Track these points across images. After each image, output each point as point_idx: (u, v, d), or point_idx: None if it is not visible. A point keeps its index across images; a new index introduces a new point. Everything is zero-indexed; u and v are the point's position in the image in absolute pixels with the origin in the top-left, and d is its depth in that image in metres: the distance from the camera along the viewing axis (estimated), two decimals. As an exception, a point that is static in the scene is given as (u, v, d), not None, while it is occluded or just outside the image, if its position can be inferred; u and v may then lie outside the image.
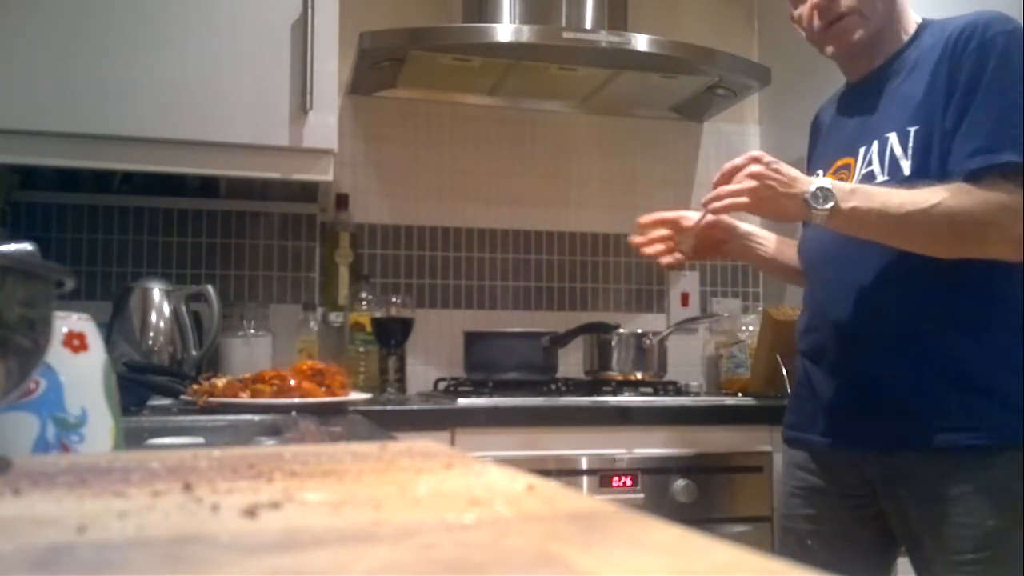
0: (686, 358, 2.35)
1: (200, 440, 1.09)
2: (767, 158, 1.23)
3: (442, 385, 2.05)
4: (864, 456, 1.30)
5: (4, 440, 0.58)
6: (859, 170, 1.32)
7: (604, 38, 1.96)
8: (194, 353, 1.87)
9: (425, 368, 2.24)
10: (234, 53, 1.80)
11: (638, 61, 2.06)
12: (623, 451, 1.71)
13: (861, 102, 1.38)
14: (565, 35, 1.95)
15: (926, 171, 1.22)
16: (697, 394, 2.01)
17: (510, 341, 2.04)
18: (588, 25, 2.09)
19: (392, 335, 1.94)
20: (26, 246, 0.98)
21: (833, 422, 1.33)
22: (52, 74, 1.71)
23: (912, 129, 1.25)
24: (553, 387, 1.96)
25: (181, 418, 1.26)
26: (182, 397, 1.41)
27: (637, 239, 1.53)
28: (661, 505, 1.68)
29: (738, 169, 1.24)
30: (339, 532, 0.29)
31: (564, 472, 1.66)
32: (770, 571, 0.25)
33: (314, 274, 2.21)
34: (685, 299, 2.46)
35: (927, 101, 1.25)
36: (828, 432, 1.34)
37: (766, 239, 1.56)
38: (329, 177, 1.89)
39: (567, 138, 2.45)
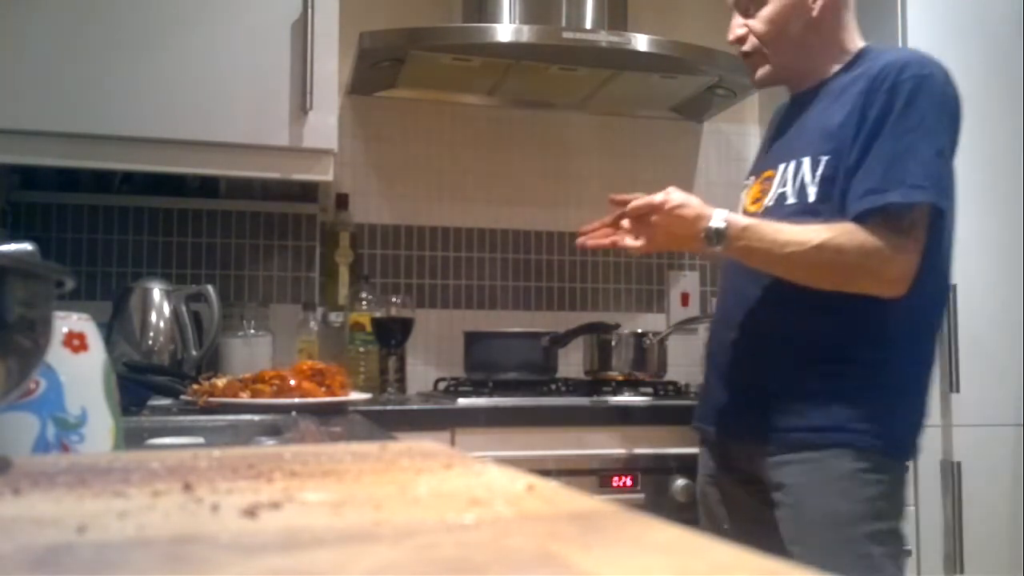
0: (686, 358, 2.35)
1: (200, 440, 1.09)
2: (669, 204, 1.32)
3: (442, 385, 2.05)
4: (747, 447, 1.42)
5: (4, 440, 0.58)
6: (775, 188, 1.42)
7: (604, 38, 1.96)
8: (194, 353, 1.87)
9: (425, 368, 2.24)
10: (234, 53, 1.80)
11: (638, 61, 2.06)
12: (623, 451, 1.71)
13: (793, 118, 1.48)
14: (565, 35, 1.95)
15: (829, 200, 1.33)
16: (697, 394, 2.01)
17: (510, 341, 2.04)
18: (588, 25, 2.09)
19: (392, 335, 1.94)
20: (26, 246, 0.99)
21: (725, 415, 1.46)
22: (52, 74, 1.71)
23: (824, 158, 1.34)
24: (553, 387, 1.96)
25: (181, 418, 1.26)
26: (182, 397, 1.41)
27: (580, 240, 1.52)
28: (661, 505, 1.68)
29: (641, 212, 1.35)
30: (339, 532, 0.29)
31: (564, 472, 1.66)
32: (769, 571, 0.25)
33: (314, 274, 2.21)
34: (685, 299, 2.46)
35: (840, 132, 1.33)
36: (722, 424, 1.47)
37: None
38: (329, 177, 1.89)
39: (567, 138, 2.45)
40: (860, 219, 1.27)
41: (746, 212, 1.46)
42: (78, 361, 0.62)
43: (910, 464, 1.37)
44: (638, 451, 1.71)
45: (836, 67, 1.43)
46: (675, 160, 2.49)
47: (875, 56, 1.39)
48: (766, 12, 1.42)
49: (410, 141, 2.34)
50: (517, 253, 2.38)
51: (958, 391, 1.89)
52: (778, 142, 1.50)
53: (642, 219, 1.35)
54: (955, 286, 1.90)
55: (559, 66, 2.12)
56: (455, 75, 2.18)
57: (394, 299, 1.93)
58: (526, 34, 1.96)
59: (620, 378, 2.01)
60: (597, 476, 1.69)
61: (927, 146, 1.27)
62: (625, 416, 1.74)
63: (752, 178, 1.53)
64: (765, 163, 1.51)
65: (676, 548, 0.27)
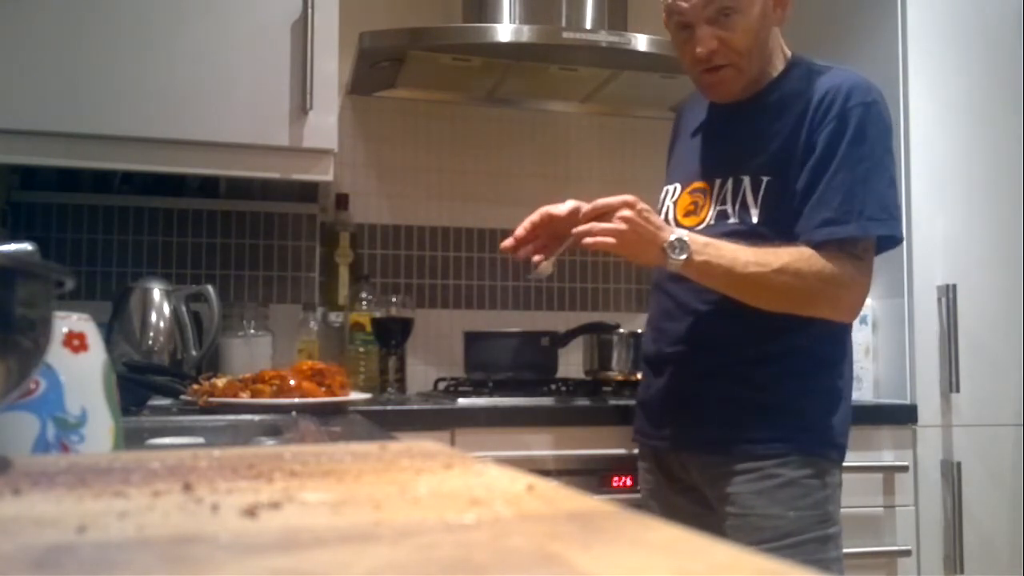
0: (686, 358, 2.35)
1: (200, 440, 1.09)
2: (640, 205, 1.28)
3: (442, 385, 2.05)
4: (689, 458, 1.43)
5: (4, 440, 0.58)
6: (714, 204, 1.41)
7: (604, 38, 1.96)
8: (194, 353, 1.87)
9: (425, 368, 2.24)
10: (234, 53, 1.80)
11: (638, 61, 2.06)
12: (623, 451, 1.71)
13: (725, 128, 1.45)
14: (565, 35, 1.95)
15: (771, 222, 1.34)
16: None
17: (510, 341, 2.04)
18: (588, 25, 2.09)
19: (392, 335, 1.94)
20: (26, 246, 0.99)
21: (664, 427, 1.47)
22: (52, 74, 1.71)
23: (765, 179, 1.35)
24: (553, 387, 1.95)
25: (181, 418, 1.26)
26: (182, 397, 1.41)
27: (508, 243, 1.42)
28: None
29: (611, 208, 1.28)
30: (339, 532, 0.29)
31: (564, 472, 1.66)
32: (768, 571, 0.25)
33: (314, 274, 2.21)
34: (685, 299, 2.46)
35: (782, 155, 1.34)
36: (663, 436, 1.47)
37: None
38: (329, 177, 1.89)
39: (567, 138, 2.45)
40: (817, 247, 1.30)
41: (679, 224, 1.42)
42: (78, 361, 0.62)
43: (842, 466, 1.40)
44: (638, 451, 1.71)
45: (772, 74, 1.42)
46: (675, 160, 2.49)
47: (809, 71, 1.39)
48: (746, 23, 1.34)
49: (410, 141, 2.34)
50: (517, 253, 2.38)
51: (958, 391, 1.88)
52: (709, 152, 1.47)
53: (606, 217, 1.28)
54: (955, 286, 1.90)
55: (559, 66, 2.12)
56: (455, 75, 2.17)
57: (394, 299, 1.93)
58: (526, 34, 1.96)
59: (620, 378, 2.00)
60: (597, 476, 1.69)
61: (879, 177, 1.31)
62: (625, 416, 1.74)
63: (677, 185, 1.49)
64: (694, 172, 1.47)
65: (676, 548, 0.27)
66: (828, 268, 1.28)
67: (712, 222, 1.39)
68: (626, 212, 1.27)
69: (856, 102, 1.31)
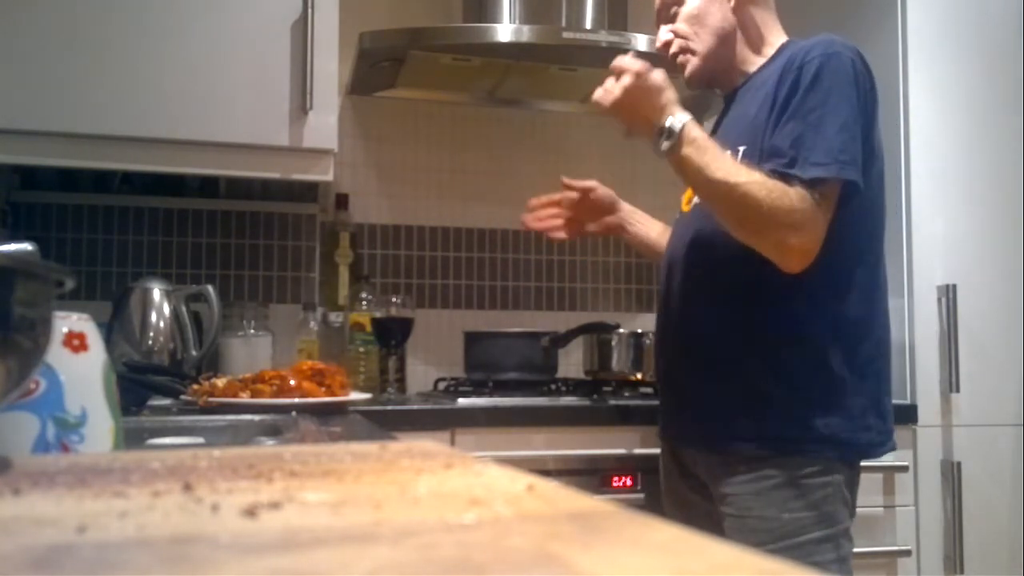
0: (686, 358, 2.35)
1: (200, 440, 1.09)
2: (645, 74, 1.29)
3: (442, 385, 2.05)
4: (696, 455, 1.43)
5: (4, 440, 0.58)
6: None
7: (604, 38, 1.96)
8: (194, 353, 1.87)
9: (425, 368, 2.24)
10: (234, 53, 1.80)
11: (638, 61, 2.06)
12: (623, 451, 1.71)
13: (724, 115, 1.51)
14: (565, 35, 1.95)
15: None
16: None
17: (510, 341, 2.04)
18: (588, 25, 2.09)
19: (392, 335, 1.94)
20: (26, 246, 0.99)
21: (673, 422, 1.49)
22: (52, 74, 1.71)
23: (741, 148, 1.35)
24: (553, 387, 1.95)
25: (181, 418, 1.26)
26: (182, 397, 1.41)
27: (527, 216, 1.67)
28: (661, 505, 1.67)
29: (619, 70, 1.32)
30: (339, 532, 0.29)
31: (564, 472, 1.66)
32: (768, 571, 0.25)
33: (314, 274, 2.21)
34: (685, 299, 2.46)
35: (755, 122, 1.35)
36: (672, 431, 1.50)
37: (647, 223, 1.68)
38: (329, 177, 1.89)
39: (567, 138, 2.45)
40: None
41: (681, 212, 1.49)
42: (78, 361, 0.62)
43: (862, 461, 1.36)
44: (638, 451, 1.71)
45: (760, 61, 1.45)
46: (675, 160, 2.49)
47: (792, 45, 1.40)
48: (686, 10, 1.46)
49: (410, 141, 2.34)
50: (517, 253, 2.38)
51: (958, 391, 1.88)
52: (715, 137, 1.51)
53: (617, 76, 1.32)
54: (955, 286, 1.90)
55: (559, 66, 2.12)
56: (455, 75, 2.17)
57: (394, 299, 1.93)
58: (526, 34, 1.96)
59: (620, 378, 2.00)
60: (597, 476, 1.69)
61: (830, 123, 1.26)
62: (625, 416, 1.74)
63: None
64: None
65: (676, 548, 0.27)
66: (786, 198, 1.23)
67: (696, 199, 1.42)
68: (626, 79, 1.30)
69: (815, 55, 1.30)
